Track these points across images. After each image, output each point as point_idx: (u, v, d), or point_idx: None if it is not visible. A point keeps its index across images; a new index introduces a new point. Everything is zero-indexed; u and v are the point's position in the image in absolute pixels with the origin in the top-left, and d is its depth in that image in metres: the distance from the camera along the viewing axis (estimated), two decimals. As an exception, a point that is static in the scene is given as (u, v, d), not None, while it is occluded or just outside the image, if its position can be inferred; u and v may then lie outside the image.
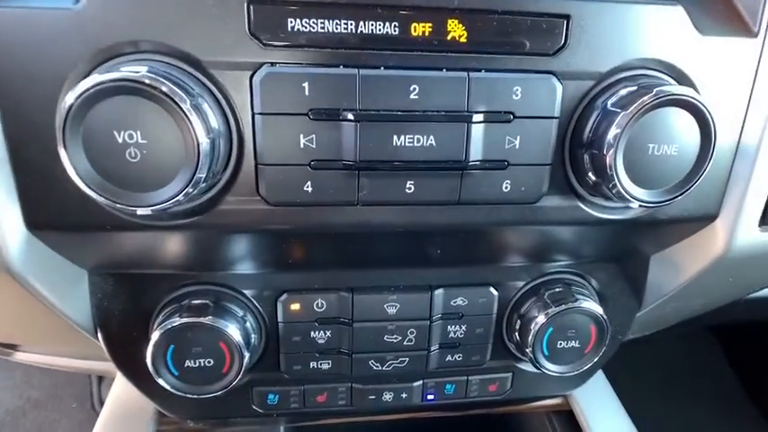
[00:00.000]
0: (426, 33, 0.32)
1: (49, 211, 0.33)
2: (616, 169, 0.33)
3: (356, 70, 0.31)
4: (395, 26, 0.31)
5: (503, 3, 0.32)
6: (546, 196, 0.36)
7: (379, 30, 0.31)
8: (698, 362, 1.19)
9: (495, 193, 0.35)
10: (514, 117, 0.33)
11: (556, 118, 0.34)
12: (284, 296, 0.44)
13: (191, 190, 0.30)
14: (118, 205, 0.29)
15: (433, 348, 0.47)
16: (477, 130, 0.33)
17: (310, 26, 0.31)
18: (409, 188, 0.34)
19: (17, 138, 0.31)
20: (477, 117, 0.33)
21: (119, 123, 0.28)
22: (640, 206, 0.35)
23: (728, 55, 0.36)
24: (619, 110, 0.33)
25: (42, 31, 0.29)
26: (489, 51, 0.33)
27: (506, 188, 0.35)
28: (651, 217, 0.38)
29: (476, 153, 0.34)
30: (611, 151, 0.33)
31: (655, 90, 0.32)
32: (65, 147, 0.28)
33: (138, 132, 0.29)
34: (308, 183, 0.33)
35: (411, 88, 0.32)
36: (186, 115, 0.28)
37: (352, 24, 0.31)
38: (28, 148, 0.31)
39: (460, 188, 0.35)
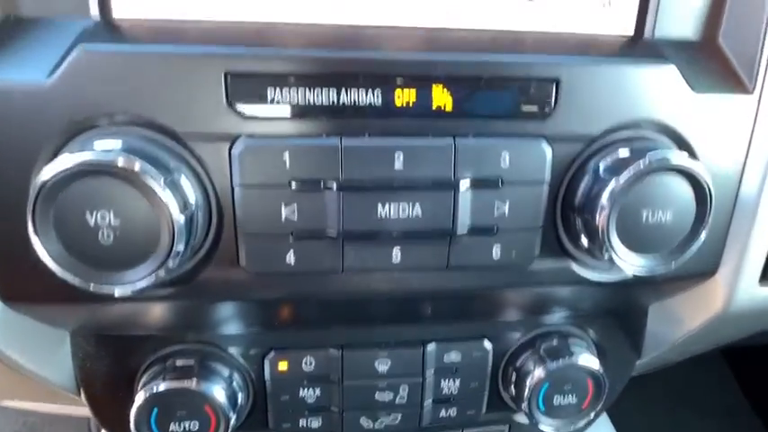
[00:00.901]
0: (410, 103, 0.31)
1: (25, 286, 0.32)
2: (608, 236, 0.32)
3: (338, 140, 0.31)
4: (377, 95, 0.31)
5: (489, 69, 0.31)
6: (538, 259, 0.35)
7: (362, 99, 0.31)
8: (705, 377, 1.17)
9: (484, 259, 0.34)
10: (503, 183, 0.33)
11: (546, 182, 0.33)
12: (271, 354, 0.42)
13: (170, 264, 0.29)
14: (92, 286, 0.29)
15: (426, 404, 0.45)
16: (465, 197, 0.32)
17: (290, 96, 0.30)
18: (396, 256, 0.33)
19: None
20: (465, 184, 0.32)
21: (91, 204, 0.27)
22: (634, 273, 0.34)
23: (724, 112, 0.35)
24: (610, 176, 0.32)
25: (13, 107, 0.29)
26: (476, 116, 0.32)
27: (496, 253, 0.34)
28: (647, 277, 0.37)
29: (464, 220, 0.32)
30: (604, 218, 0.32)
31: (647, 157, 0.31)
32: (35, 229, 0.27)
33: (111, 212, 0.28)
34: (291, 253, 0.32)
35: (395, 156, 0.31)
36: (160, 195, 0.27)
37: (333, 94, 0.30)
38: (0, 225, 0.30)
39: (449, 254, 0.33)
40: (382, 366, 0.43)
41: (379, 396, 0.44)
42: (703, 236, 0.33)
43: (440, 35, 0.34)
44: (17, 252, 0.31)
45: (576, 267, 0.37)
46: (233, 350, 0.43)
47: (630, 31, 0.36)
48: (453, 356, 0.45)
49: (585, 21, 0.36)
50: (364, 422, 0.45)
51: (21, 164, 0.29)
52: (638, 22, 0.36)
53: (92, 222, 0.28)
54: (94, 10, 0.30)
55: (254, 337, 0.43)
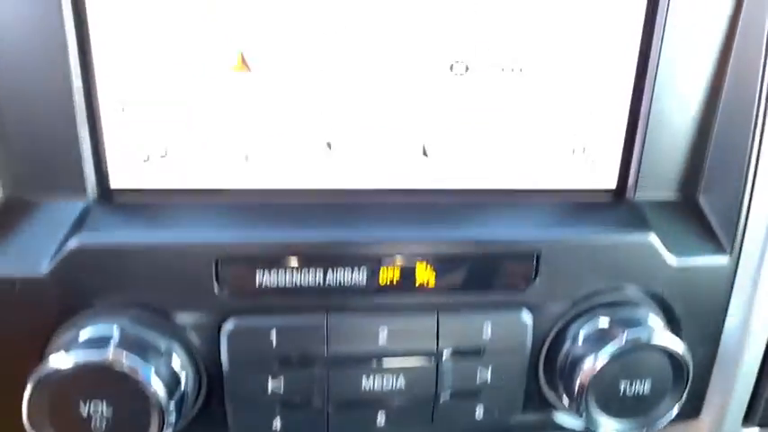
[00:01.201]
0: (394, 281, 0.32)
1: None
2: (586, 402, 0.33)
3: (324, 317, 0.32)
4: (362, 274, 0.32)
5: (471, 247, 0.32)
6: (521, 414, 0.36)
7: (347, 279, 0.32)
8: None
9: (468, 418, 0.35)
10: (485, 351, 0.33)
11: (528, 348, 0.34)
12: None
13: None
14: None
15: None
16: (447, 366, 0.33)
17: (278, 279, 0.31)
18: (380, 420, 0.34)
19: None
20: (447, 354, 0.33)
21: (84, 394, 0.29)
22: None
23: (704, 273, 0.36)
24: (590, 349, 0.33)
25: (11, 295, 0.30)
26: (457, 291, 0.33)
27: (479, 413, 0.35)
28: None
29: (447, 387, 0.33)
30: (581, 385, 0.32)
31: (624, 335, 0.32)
32: (30, 421, 0.28)
33: (104, 402, 0.29)
34: (277, 419, 0.33)
35: (380, 331, 0.32)
36: (148, 387, 0.28)
37: (320, 275, 0.31)
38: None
39: (432, 416, 0.34)
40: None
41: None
42: (681, 403, 0.33)
43: (422, 200, 0.35)
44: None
45: (558, 416, 0.38)
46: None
47: (613, 186, 0.38)
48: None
49: (570, 177, 0.37)
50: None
51: (19, 351, 0.31)
52: (619, 180, 0.37)
53: (85, 412, 0.29)
54: (92, 193, 0.32)
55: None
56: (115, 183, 0.33)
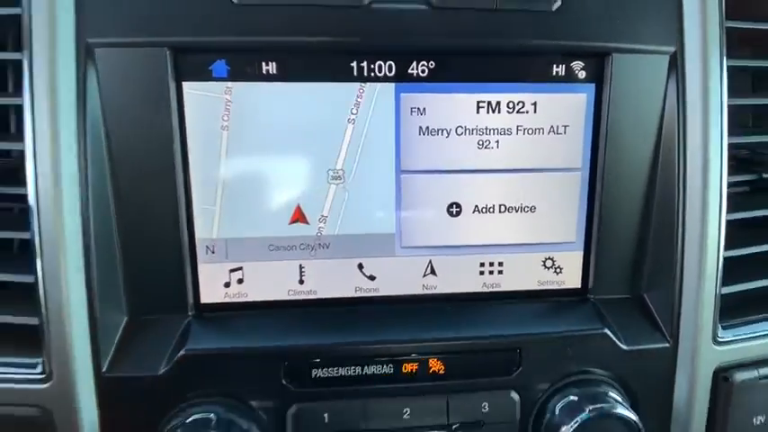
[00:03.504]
0: (413, 371, 0.43)
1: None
2: (568, 468, 0.43)
3: (363, 402, 0.43)
4: (390, 367, 0.43)
5: (469, 346, 0.43)
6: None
7: (379, 370, 0.43)
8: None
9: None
10: (484, 424, 0.44)
11: (517, 420, 0.44)
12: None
13: None
14: None
15: None
16: (457, 436, 0.44)
17: (328, 372, 0.42)
18: (406, 481, 0.44)
19: None
20: (455, 426, 0.43)
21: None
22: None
23: (650, 356, 0.46)
24: (564, 419, 0.43)
25: (137, 390, 0.41)
26: (462, 377, 0.44)
27: (481, 475, 0.45)
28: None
29: (456, 453, 0.44)
30: (561, 452, 0.42)
31: (587, 409, 0.42)
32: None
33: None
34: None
35: (404, 411, 0.43)
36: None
37: (359, 369, 0.43)
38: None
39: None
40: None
41: None
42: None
43: (432, 305, 0.47)
44: None
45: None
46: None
47: (578, 285, 0.49)
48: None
49: (532, 279, 0.49)
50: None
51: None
52: (582, 282, 0.49)
53: None
54: (191, 311, 0.44)
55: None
56: (205, 300, 0.45)
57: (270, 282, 0.46)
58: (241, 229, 0.44)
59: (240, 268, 0.45)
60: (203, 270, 0.45)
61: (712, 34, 0.44)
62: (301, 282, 0.46)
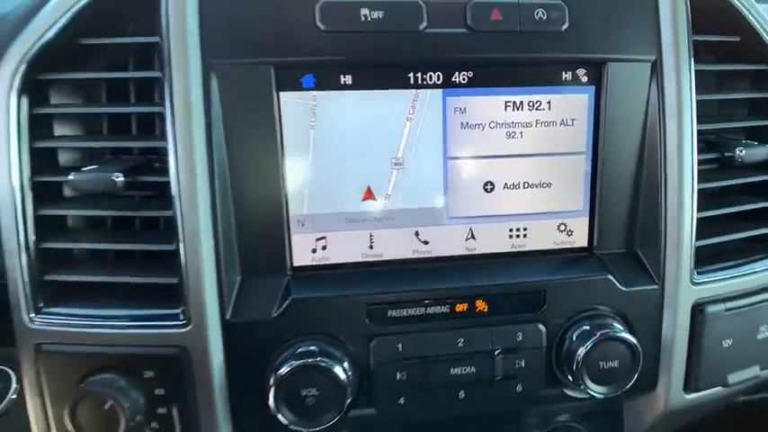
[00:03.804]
0: (464, 309, 0.55)
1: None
2: (584, 379, 0.55)
3: (427, 335, 0.55)
4: (446, 308, 0.55)
5: (505, 288, 0.56)
6: (543, 389, 0.58)
7: (438, 310, 0.55)
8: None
9: (512, 393, 0.57)
10: (520, 349, 0.56)
11: (544, 347, 0.57)
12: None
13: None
14: (300, 429, 0.51)
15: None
16: (498, 360, 0.56)
17: (400, 313, 0.55)
18: (461, 395, 0.56)
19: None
20: (497, 351, 0.56)
21: (302, 384, 0.51)
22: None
23: (643, 295, 0.59)
24: (580, 344, 0.55)
25: (254, 332, 0.53)
26: (501, 314, 0.56)
27: (519, 388, 0.57)
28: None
29: (499, 373, 0.56)
30: (579, 368, 0.55)
31: (599, 333, 0.55)
32: (275, 403, 0.50)
33: (314, 388, 0.51)
34: (402, 398, 0.55)
35: (458, 341, 0.55)
36: (339, 377, 0.51)
37: (423, 310, 0.55)
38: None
39: (490, 391, 0.57)
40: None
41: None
42: (637, 375, 0.56)
43: (473, 262, 0.59)
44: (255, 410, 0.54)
45: (567, 391, 0.60)
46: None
47: (585, 244, 0.62)
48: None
49: (551, 240, 0.61)
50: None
51: (258, 364, 0.53)
52: (588, 242, 0.61)
53: (303, 394, 0.51)
54: (289, 271, 0.56)
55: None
56: (297, 264, 0.57)
57: (347, 247, 0.58)
58: (324, 206, 0.56)
59: (324, 237, 0.57)
60: (295, 239, 0.56)
61: (683, 46, 0.57)
62: (371, 247, 0.58)
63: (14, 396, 0.66)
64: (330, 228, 0.57)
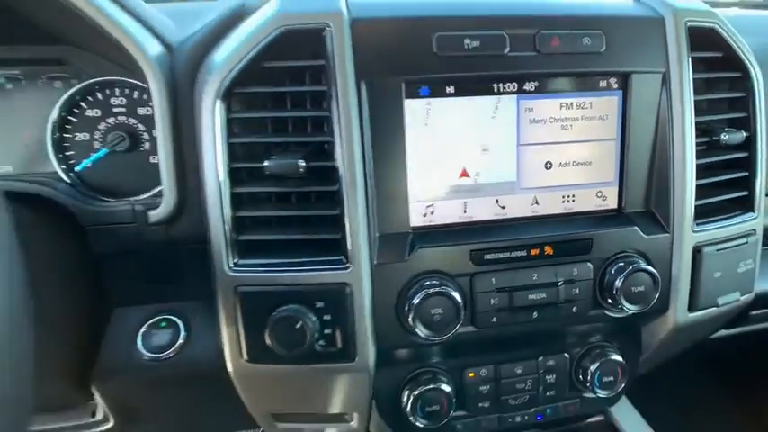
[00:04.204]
0: (536, 253, 0.77)
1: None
2: (621, 300, 0.78)
3: (513, 272, 0.76)
4: (524, 252, 0.77)
5: (560, 237, 0.78)
6: (590, 311, 0.81)
7: (519, 254, 0.77)
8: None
9: (570, 312, 0.79)
10: (575, 281, 0.78)
11: (591, 279, 0.79)
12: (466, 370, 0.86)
13: None
14: (432, 338, 0.72)
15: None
16: (561, 289, 0.78)
17: (494, 256, 0.76)
18: (535, 315, 0.78)
19: None
20: (560, 282, 0.78)
21: (431, 306, 0.72)
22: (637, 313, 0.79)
23: (659, 241, 0.82)
24: (617, 275, 0.78)
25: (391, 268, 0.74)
26: (562, 256, 0.78)
27: (574, 310, 0.79)
28: (639, 313, 0.82)
29: (560, 298, 0.78)
30: (617, 293, 0.78)
31: (630, 267, 0.77)
32: (413, 324, 0.72)
33: (440, 309, 0.72)
34: (494, 318, 0.77)
35: (533, 275, 0.77)
36: (453, 297, 0.72)
37: (509, 253, 0.76)
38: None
39: (555, 312, 0.79)
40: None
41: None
42: (657, 296, 0.78)
43: (538, 221, 0.81)
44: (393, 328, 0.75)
45: (607, 312, 0.82)
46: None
47: (616, 206, 0.84)
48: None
49: (592, 204, 0.83)
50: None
51: (394, 295, 0.74)
52: (618, 204, 0.84)
53: (431, 313, 0.72)
54: (410, 230, 0.76)
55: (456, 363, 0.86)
56: (413, 224, 0.78)
57: (448, 212, 0.79)
58: (432, 182, 0.77)
59: (432, 205, 0.78)
60: (412, 207, 0.77)
61: (684, 61, 0.80)
62: (465, 211, 0.79)
63: (182, 341, 0.85)
64: (436, 198, 0.78)
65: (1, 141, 0.92)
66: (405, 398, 0.82)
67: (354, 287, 0.72)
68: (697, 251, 0.83)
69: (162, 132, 0.74)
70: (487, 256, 0.76)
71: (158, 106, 0.73)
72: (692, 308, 0.85)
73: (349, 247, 0.71)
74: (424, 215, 0.78)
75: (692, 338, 0.96)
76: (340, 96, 0.69)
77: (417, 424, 0.81)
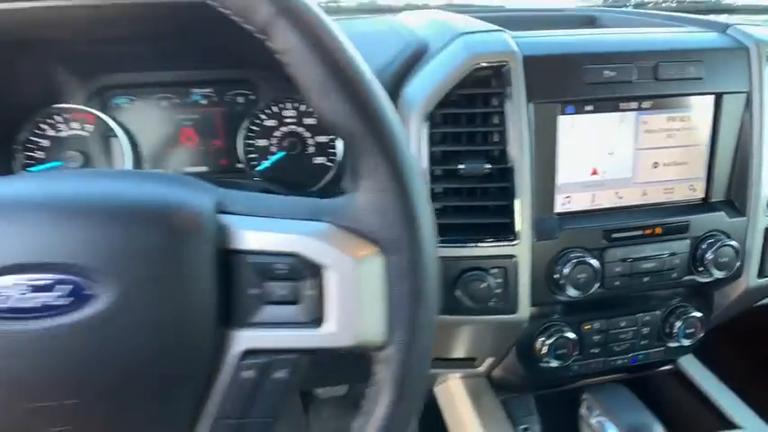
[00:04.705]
0: (650, 233, 1.01)
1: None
2: (711, 268, 1.02)
3: (633, 246, 1.00)
4: (641, 232, 1.00)
5: (668, 222, 1.01)
6: (684, 277, 1.05)
7: (638, 233, 1.00)
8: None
9: (669, 278, 1.04)
10: (676, 254, 1.03)
11: (688, 252, 1.03)
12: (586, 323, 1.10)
13: None
14: (578, 295, 0.96)
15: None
16: (666, 259, 1.03)
17: (619, 234, 0.99)
18: (646, 279, 1.02)
19: None
20: (665, 254, 1.02)
21: (578, 272, 0.96)
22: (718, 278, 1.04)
23: (739, 223, 1.06)
24: (707, 249, 1.02)
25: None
26: (668, 235, 1.02)
27: (674, 275, 1.04)
28: (723, 279, 1.07)
29: (666, 267, 1.03)
30: (708, 263, 1.02)
31: (718, 243, 1.01)
32: (565, 286, 0.95)
33: (584, 274, 0.96)
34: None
35: (647, 248, 1.01)
36: (594, 265, 0.96)
37: (630, 233, 1.00)
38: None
39: (660, 277, 1.03)
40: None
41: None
42: (738, 264, 1.03)
43: (647, 207, 1.04)
44: (546, 290, 0.99)
45: (696, 278, 1.07)
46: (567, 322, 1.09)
47: (702, 195, 1.08)
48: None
49: (685, 195, 1.07)
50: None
51: (547, 263, 0.98)
52: (705, 195, 1.07)
53: (577, 277, 0.96)
54: (554, 215, 1.00)
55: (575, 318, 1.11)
56: (556, 210, 1.01)
57: (580, 201, 1.02)
58: (570, 179, 1.00)
59: (569, 196, 1.01)
60: (556, 198, 1.00)
61: (765, 83, 1.03)
62: (593, 201, 1.03)
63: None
64: (572, 191, 1.02)
65: (200, 146, 1.14)
66: (538, 344, 1.07)
67: (520, 258, 0.96)
68: (767, 230, 1.07)
69: None
70: (614, 235, 1.00)
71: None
72: (760, 275, 1.10)
73: (517, 228, 0.95)
74: (563, 204, 1.02)
75: (756, 300, 1.22)
76: (514, 115, 0.92)
77: (550, 364, 1.06)
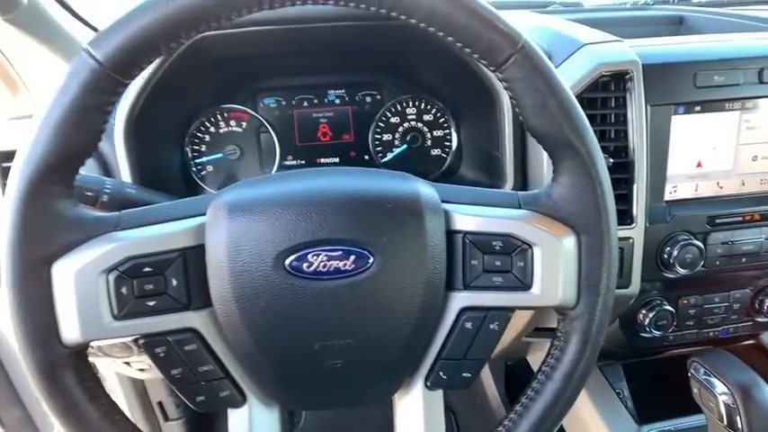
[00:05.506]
0: (748, 219, 1.14)
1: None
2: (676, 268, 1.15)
3: (732, 231, 1.13)
4: (739, 218, 1.14)
5: (765, 208, 1.14)
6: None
7: (735, 219, 1.14)
8: None
9: (765, 259, 1.17)
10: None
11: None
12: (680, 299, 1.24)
13: None
14: (677, 274, 1.11)
15: None
16: (763, 242, 1.15)
17: (720, 220, 1.13)
18: (743, 260, 1.16)
19: None
20: (763, 238, 1.15)
21: (684, 253, 1.10)
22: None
23: None
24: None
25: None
26: (762, 221, 1.15)
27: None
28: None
29: (762, 249, 1.16)
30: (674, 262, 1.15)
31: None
32: (668, 263, 1.10)
33: (690, 255, 1.10)
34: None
35: (746, 233, 1.14)
36: (700, 247, 1.10)
37: (729, 219, 1.13)
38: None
39: (756, 258, 1.16)
40: None
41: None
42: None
43: (747, 196, 1.17)
44: (654, 267, 1.13)
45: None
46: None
47: None
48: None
49: None
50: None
51: (656, 244, 1.12)
52: None
53: (685, 257, 1.10)
54: (664, 202, 1.14)
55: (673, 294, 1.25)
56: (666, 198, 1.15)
57: (685, 190, 1.16)
58: (676, 170, 1.14)
59: (675, 186, 1.15)
60: (666, 187, 1.14)
61: None
62: (696, 190, 1.16)
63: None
64: (677, 182, 1.15)
65: (334, 140, 1.31)
66: (641, 316, 1.21)
67: (635, 240, 1.10)
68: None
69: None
70: (717, 220, 1.14)
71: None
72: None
73: (634, 213, 1.09)
74: (670, 192, 1.16)
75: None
76: (635, 116, 1.06)
77: (653, 334, 1.20)
